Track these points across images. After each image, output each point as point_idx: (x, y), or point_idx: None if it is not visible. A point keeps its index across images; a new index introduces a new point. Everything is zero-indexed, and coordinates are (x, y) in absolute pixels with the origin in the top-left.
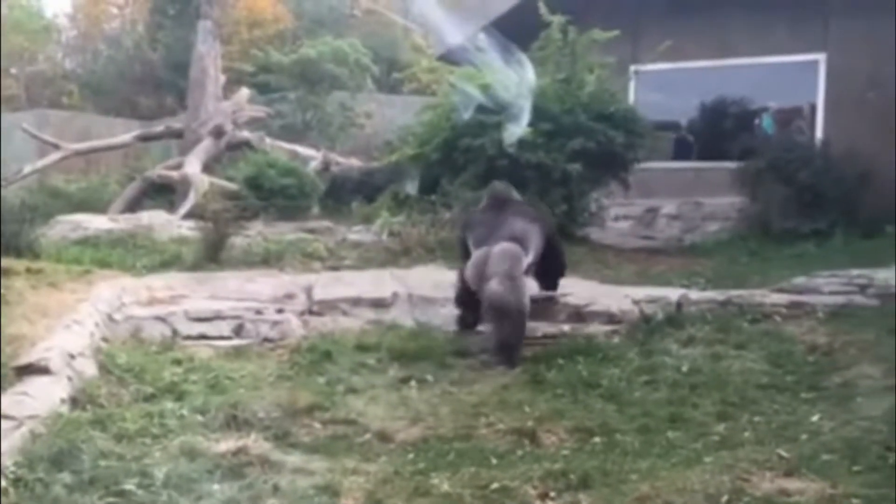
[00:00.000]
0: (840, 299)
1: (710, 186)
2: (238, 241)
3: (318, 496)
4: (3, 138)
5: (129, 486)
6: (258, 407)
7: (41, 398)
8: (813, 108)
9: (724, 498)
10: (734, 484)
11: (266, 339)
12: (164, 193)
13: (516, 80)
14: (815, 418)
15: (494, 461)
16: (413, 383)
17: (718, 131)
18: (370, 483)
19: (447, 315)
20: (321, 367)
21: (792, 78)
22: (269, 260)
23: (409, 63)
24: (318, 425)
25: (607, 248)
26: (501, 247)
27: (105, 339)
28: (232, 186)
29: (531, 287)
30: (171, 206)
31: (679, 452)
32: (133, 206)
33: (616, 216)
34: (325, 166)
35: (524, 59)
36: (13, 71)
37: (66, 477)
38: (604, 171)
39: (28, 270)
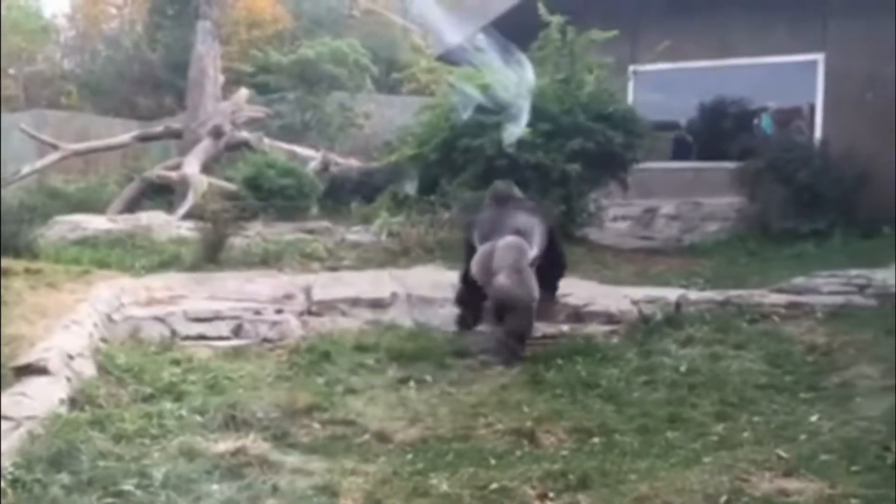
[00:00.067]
0: (839, 299)
1: (709, 186)
2: (237, 242)
3: (316, 496)
4: (1, 139)
5: (128, 486)
6: (257, 407)
7: (40, 399)
8: (812, 109)
9: (723, 498)
10: (733, 484)
11: (265, 340)
12: (162, 194)
13: (515, 81)
14: (813, 418)
15: (493, 461)
16: (412, 384)
17: (717, 131)
18: (369, 483)
19: (446, 315)
20: (320, 367)
21: (791, 78)
22: (268, 260)
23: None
24: (316, 426)
25: (606, 249)
26: (506, 240)
27: (104, 340)
28: (231, 187)
29: None
30: (170, 207)
31: (678, 452)
32: (132, 207)
33: (615, 216)
34: (324, 167)
35: (523, 59)
36: (11, 71)
37: (64, 478)
38: (603, 171)
39: (27, 271)
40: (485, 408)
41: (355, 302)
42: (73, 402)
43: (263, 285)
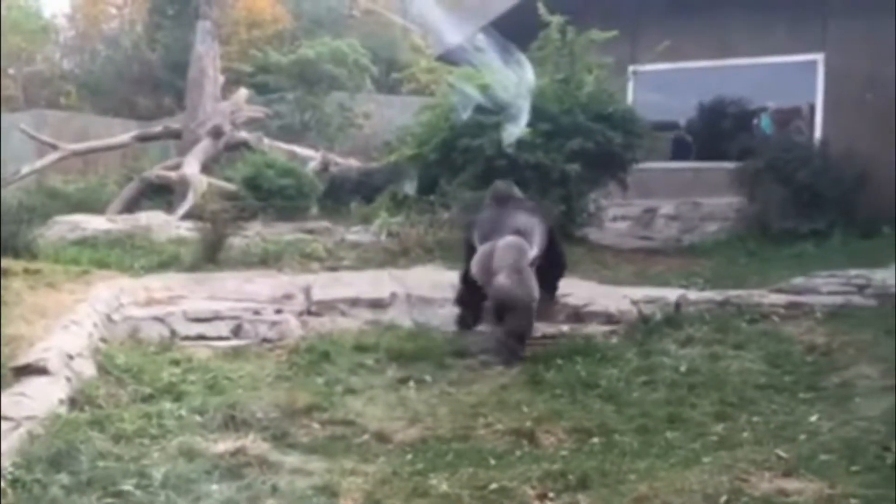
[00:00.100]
0: (838, 299)
1: (709, 187)
2: (236, 242)
3: (316, 497)
4: (1, 139)
5: (128, 486)
6: (256, 407)
7: (39, 399)
8: (811, 109)
9: (723, 498)
10: (733, 484)
11: (264, 340)
12: (162, 194)
13: (515, 81)
14: (813, 418)
15: (493, 462)
16: (411, 384)
17: (717, 131)
18: (368, 483)
19: (445, 315)
20: (319, 367)
21: (791, 78)
22: (267, 260)
23: (407, 63)
24: (316, 426)
25: (606, 249)
26: (506, 240)
27: (103, 340)
28: (230, 187)
29: None
30: (170, 207)
31: (677, 453)
32: (131, 207)
33: (614, 216)
34: (324, 167)
35: (523, 59)
36: (11, 71)
37: (64, 478)
38: (602, 171)
39: (26, 271)
40: (484, 408)
41: (355, 302)
42: (72, 403)
43: (263, 285)
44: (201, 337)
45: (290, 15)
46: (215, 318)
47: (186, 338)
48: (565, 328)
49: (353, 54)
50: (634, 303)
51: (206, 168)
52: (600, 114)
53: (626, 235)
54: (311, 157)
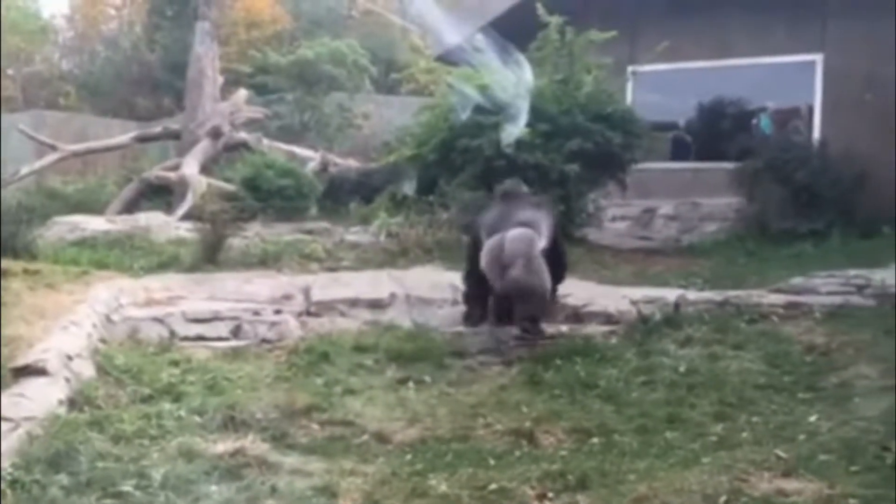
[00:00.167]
0: (837, 300)
1: (708, 187)
2: (236, 243)
3: (315, 497)
4: (0, 139)
5: (127, 487)
6: (256, 408)
7: (38, 400)
8: (810, 109)
9: (723, 498)
10: (732, 484)
11: (264, 340)
12: (161, 195)
13: (514, 81)
14: (812, 418)
15: (492, 462)
16: (411, 384)
17: (716, 132)
18: (368, 484)
19: (445, 315)
20: (319, 368)
21: (790, 78)
22: (266, 261)
23: (406, 64)
24: (315, 426)
25: (605, 249)
26: (515, 232)
27: (103, 341)
28: (230, 187)
29: None
30: (169, 208)
31: (677, 453)
32: (130, 208)
33: (613, 217)
34: (323, 167)
35: (522, 59)
36: (10, 72)
37: (63, 479)
38: (601, 171)
39: (25, 272)
40: (484, 408)
41: (354, 302)
42: (71, 403)
43: (262, 286)
44: (200, 337)
45: (289, 15)
46: (214, 318)
47: (186, 338)
48: (564, 328)
49: (353, 55)
50: (633, 303)
51: (205, 169)
52: (599, 114)
53: (626, 235)
54: (310, 157)
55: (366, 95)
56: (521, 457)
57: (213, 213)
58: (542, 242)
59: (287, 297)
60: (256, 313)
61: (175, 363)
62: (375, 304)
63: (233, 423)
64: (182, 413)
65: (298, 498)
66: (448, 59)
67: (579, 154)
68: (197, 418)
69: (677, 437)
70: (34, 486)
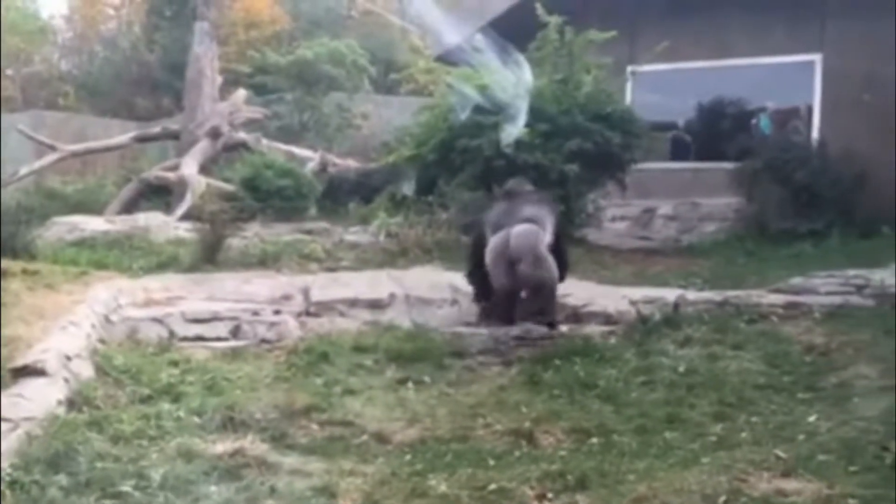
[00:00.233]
0: (837, 300)
1: (707, 187)
2: (235, 243)
3: (315, 497)
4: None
5: (126, 487)
6: (255, 408)
7: (37, 400)
8: (810, 109)
9: (722, 498)
10: (731, 484)
11: (263, 341)
12: (160, 195)
13: (513, 81)
14: (811, 418)
15: (492, 462)
16: (410, 384)
17: (715, 132)
18: (367, 484)
19: (444, 316)
20: (318, 368)
21: (789, 78)
22: (266, 261)
23: (406, 64)
24: (315, 426)
25: (604, 249)
26: (520, 228)
27: (102, 341)
28: (229, 188)
29: None
30: (168, 208)
31: (676, 453)
32: (130, 208)
33: (613, 217)
34: (323, 167)
35: (521, 59)
36: (9, 72)
37: (62, 479)
38: (601, 171)
39: (24, 272)
40: (483, 408)
41: (353, 303)
42: (70, 404)
43: (261, 286)
44: (200, 338)
45: (288, 16)
46: (214, 318)
47: (185, 339)
48: (564, 328)
49: (352, 55)
50: (633, 303)
51: (204, 169)
52: (599, 114)
53: (625, 236)
54: (309, 157)
55: (365, 96)
56: (520, 457)
57: (212, 213)
58: (546, 238)
59: (286, 298)
60: (256, 313)
61: (174, 363)
62: (375, 305)
63: (232, 424)
64: (181, 413)
65: (298, 498)
66: (447, 59)
67: (579, 154)
68: (196, 418)
69: (677, 437)
70: (33, 487)
